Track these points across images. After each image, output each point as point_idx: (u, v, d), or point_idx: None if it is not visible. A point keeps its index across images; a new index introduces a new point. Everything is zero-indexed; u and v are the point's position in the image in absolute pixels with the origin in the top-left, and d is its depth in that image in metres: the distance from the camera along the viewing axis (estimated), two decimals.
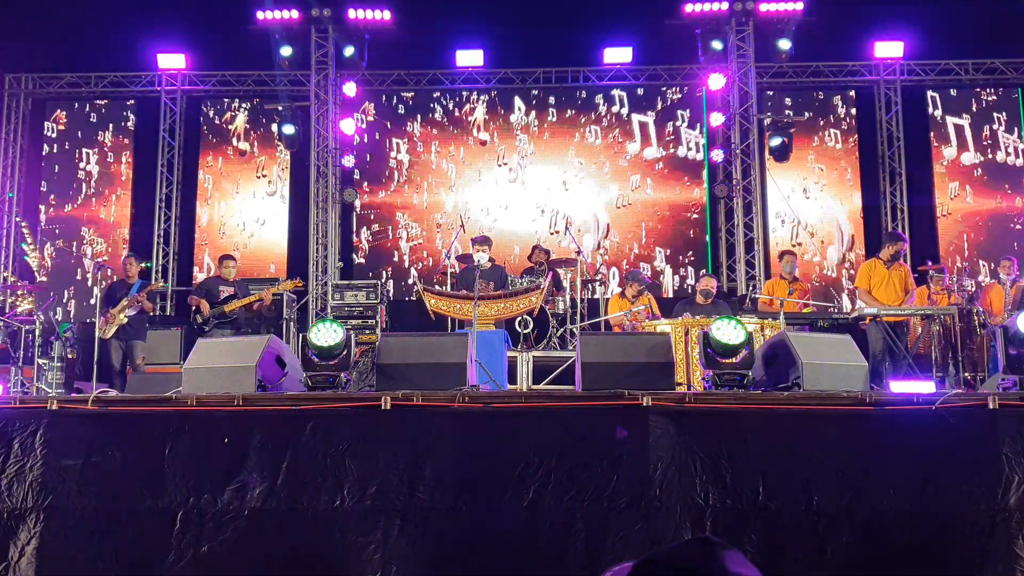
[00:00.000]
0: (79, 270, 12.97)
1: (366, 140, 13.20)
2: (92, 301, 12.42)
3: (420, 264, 12.91)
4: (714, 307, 8.72)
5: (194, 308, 8.81)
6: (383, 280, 12.14)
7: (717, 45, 12.45)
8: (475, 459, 4.82)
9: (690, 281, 12.55)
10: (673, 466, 4.66)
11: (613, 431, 4.73)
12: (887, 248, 8.66)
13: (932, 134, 12.87)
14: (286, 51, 12.47)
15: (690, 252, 12.82)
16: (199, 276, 12.72)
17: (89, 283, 12.72)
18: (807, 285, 9.84)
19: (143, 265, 9.35)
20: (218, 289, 8.94)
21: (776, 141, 12.03)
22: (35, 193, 13.24)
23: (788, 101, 13.04)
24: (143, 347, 8.87)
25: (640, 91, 13.14)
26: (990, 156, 12.78)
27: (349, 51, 12.49)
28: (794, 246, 12.36)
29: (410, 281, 12.78)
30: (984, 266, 12.32)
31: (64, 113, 13.40)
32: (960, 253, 12.51)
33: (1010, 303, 8.66)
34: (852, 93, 13.14)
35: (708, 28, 12.53)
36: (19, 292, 11.06)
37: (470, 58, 12.83)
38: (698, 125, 13.03)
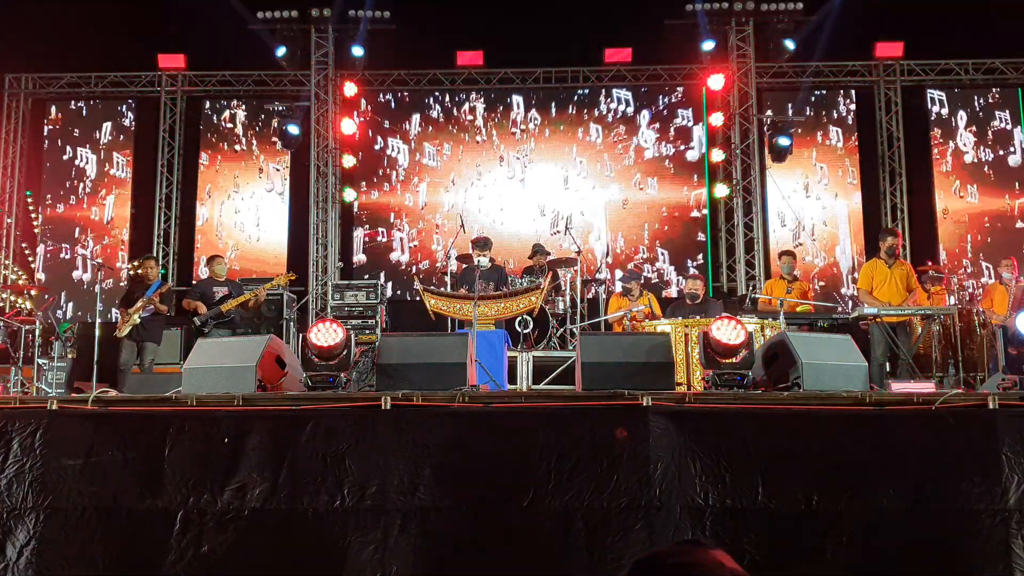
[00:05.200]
0: (79, 270, 12.97)
1: (366, 140, 13.21)
2: (91, 301, 12.45)
3: (420, 264, 12.92)
4: (702, 308, 8.69)
5: (191, 311, 8.81)
6: (382, 280, 12.13)
7: (707, 46, 12.46)
8: (475, 459, 4.81)
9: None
10: (673, 466, 4.65)
11: (613, 431, 4.72)
12: (881, 245, 8.66)
13: (932, 134, 12.87)
14: (283, 51, 12.47)
15: (690, 252, 12.82)
16: (201, 276, 12.73)
17: (88, 283, 12.73)
18: (807, 285, 9.81)
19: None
20: (212, 290, 8.92)
21: (777, 141, 12.02)
22: (35, 193, 13.24)
23: (788, 101, 13.04)
24: (154, 349, 8.84)
25: (640, 91, 13.14)
26: (990, 156, 12.78)
27: (358, 51, 12.48)
28: (796, 247, 12.37)
29: (410, 281, 12.78)
30: (985, 266, 12.31)
31: (64, 113, 13.40)
32: (960, 253, 12.51)
33: (1011, 303, 8.64)
34: (852, 93, 13.15)
35: (708, 28, 12.54)
36: (21, 292, 11.07)
37: (470, 58, 12.83)
38: (698, 125, 13.03)
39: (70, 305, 12.80)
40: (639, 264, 12.66)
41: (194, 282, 12.15)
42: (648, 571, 1.53)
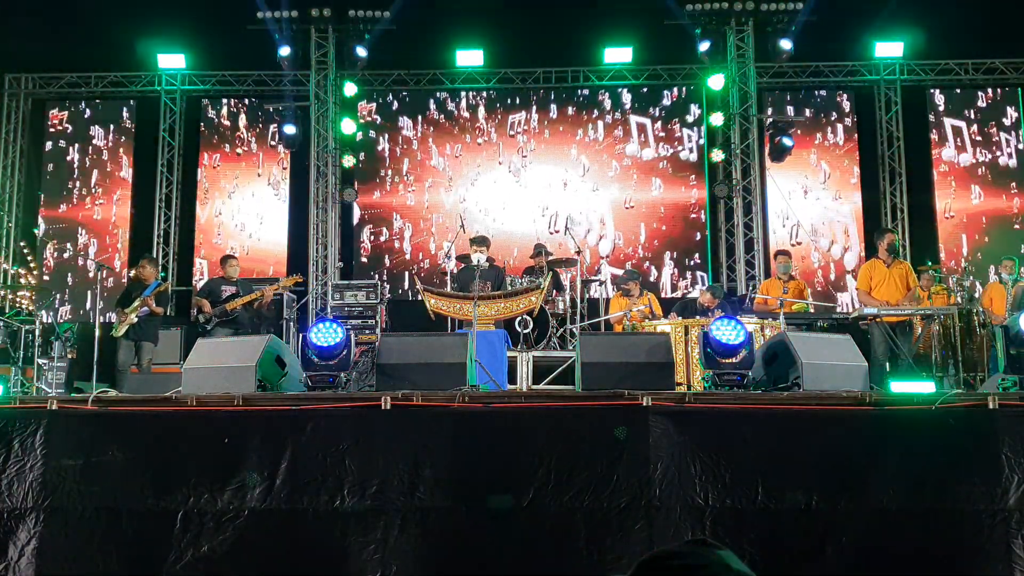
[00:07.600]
0: (79, 270, 12.97)
1: (366, 140, 13.21)
2: (91, 301, 12.44)
3: (420, 264, 12.91)
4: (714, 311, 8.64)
5: (196, 309, 8.84)
6: (382, 280, 12.12)
7: (703, 46, 12.45)
8: (475, 459, 4.82)
9: (686, 280, 12.56)
10: (673, 466, 4.66)
11: (613, 431, 4.72)
12: (879, 244, 8.62)
13: (932, 134, 12.87)
14: (285, 51, 12.47)
15: (690, 252, 12.81)
16: (201, 276, 12.73)
17: (89, 282, 12.72)
18: (803, 284, 9.80)
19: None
20: (220, 289, 8.98)
21: (780, 141, 12.01)
22: (35, 193, 13.24)
23: (788, 101, 13.04)
24: (151, 349, 8.84)
25: (640, 91, 13.14)
26: (990, 156, 12.78)
27: (362, 51, 12.46)
28: (794, 246, 12.37)
29: (410, 281, 12.78)
30: (984, 266, 12.31)
31: (64, 113, 13.39)
32: (960, 253, 12.51)
33: (1011, 303, 8.64)
34: (852, 93, 13.14)
35: (707, 28, 12.54)
36: (20, 292, 11.07)
37: (470, 58, 12.83)
38: (698, 125, 13.03)
39: (67, 307, 12.78)
40: (638, 265, 12.65)
41: (197, 279, 12.16)
42: (652, 572, 1.51)
